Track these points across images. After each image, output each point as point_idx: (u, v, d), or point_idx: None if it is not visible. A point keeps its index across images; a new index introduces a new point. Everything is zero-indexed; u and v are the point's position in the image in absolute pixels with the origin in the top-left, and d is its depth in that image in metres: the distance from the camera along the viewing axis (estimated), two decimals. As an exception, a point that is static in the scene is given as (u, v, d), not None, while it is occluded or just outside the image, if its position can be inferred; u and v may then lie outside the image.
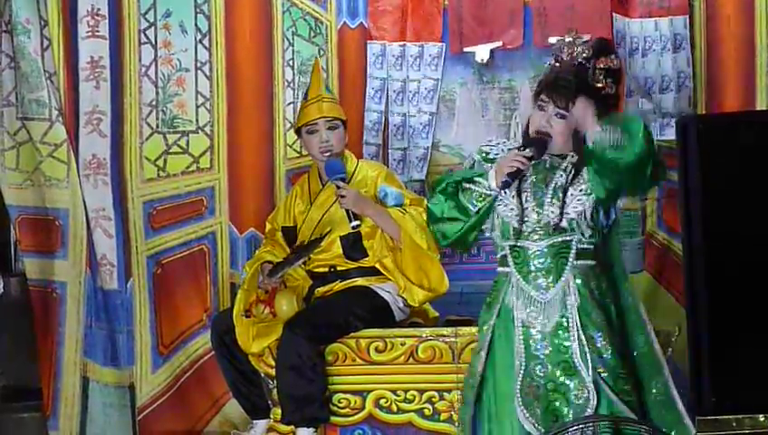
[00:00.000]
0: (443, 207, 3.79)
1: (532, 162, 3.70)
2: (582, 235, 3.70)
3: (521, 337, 3.70)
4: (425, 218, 4.43)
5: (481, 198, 3.74)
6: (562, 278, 3.68)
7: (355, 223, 4.37)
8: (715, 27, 4.91)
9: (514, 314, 3.72)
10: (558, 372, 3.64)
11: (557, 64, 3.78)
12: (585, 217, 3.69)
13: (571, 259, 3.69)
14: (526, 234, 3.72)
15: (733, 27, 4.82)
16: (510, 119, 5.26)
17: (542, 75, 3.85)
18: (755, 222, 3.92)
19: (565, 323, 3.66)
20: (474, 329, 4.32)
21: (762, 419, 3.95)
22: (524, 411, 3.66)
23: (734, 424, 3.98)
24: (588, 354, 3.63)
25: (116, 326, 4.99)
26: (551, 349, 3.67)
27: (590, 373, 3.61)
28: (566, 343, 3.65)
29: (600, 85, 3.70)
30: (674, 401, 3.79)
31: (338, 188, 4.40)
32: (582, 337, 3.64)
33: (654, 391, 3.79)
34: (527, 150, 3.69)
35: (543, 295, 3.69)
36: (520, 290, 3.72)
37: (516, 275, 3.73)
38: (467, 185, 3.77)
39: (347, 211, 4.36)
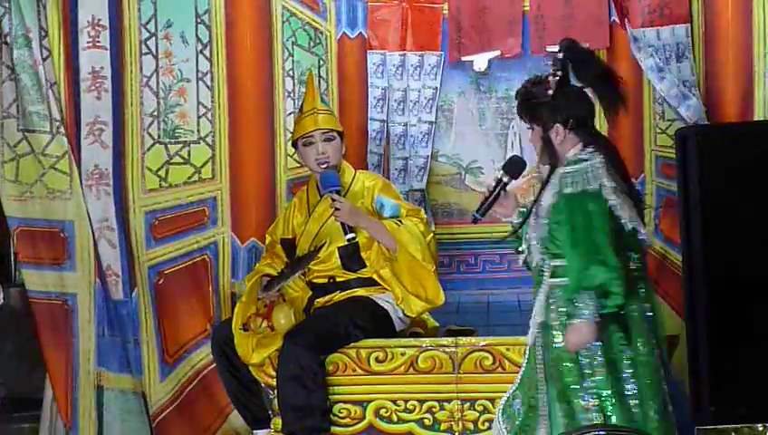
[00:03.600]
0: None
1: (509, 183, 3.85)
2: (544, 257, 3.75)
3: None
4: (421, 229, 4.46)
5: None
6: (539, 297, 3.73)
7: (350, 235, 4.38)
8: (714, 37, 4.87)
9: None
10: (529, 387, 3.75)
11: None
12: (541, 242, 3.75)
13: (545, 277, 3.73)
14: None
15: (731, 37, 4.80)
16: (507, 128, 5.26)
17: None
18: (754, 232, 3.93)
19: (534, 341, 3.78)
20: (474, 339, 4.36)
21: (760, 428, 3.98)
22: (501, 423, 3.77)
23: (733, 433, 4.00)
24: (550, 373, 3.68)
25: (125, 336, 4.99)
26: (527, 364, 3.79)
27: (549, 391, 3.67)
28: (538, 358, 3.75)
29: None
30: None
31: (333, 200, 4.41)
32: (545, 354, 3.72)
33: None
34: (500, 174, 3.86)
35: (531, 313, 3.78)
36: None
37: None
38: None
39: (342, 224, 4.38)
